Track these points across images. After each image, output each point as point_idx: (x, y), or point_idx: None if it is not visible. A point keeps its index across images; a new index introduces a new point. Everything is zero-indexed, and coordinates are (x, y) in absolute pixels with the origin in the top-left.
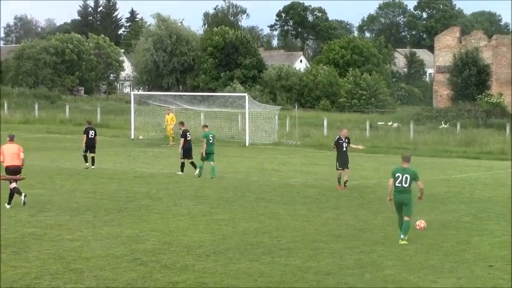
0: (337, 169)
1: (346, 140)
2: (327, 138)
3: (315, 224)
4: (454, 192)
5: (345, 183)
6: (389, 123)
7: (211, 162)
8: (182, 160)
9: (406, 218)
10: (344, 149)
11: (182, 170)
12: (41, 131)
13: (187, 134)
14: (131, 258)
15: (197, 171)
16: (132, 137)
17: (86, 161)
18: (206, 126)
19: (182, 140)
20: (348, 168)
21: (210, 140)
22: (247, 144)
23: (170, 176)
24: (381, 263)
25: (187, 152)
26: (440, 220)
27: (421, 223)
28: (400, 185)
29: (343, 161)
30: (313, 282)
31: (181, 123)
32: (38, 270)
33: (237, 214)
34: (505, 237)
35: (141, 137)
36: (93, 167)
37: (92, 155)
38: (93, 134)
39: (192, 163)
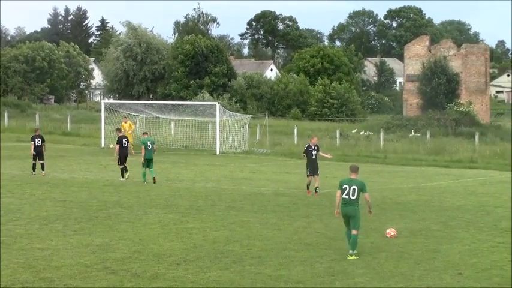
0: (307, 176)
1: (316, 148)
2: (298, 147)
3: (285, 233)
4: (424, 201)
5: (315, 189)
6: (361, 132)
7: (150, 169)
8: (120, 166)
9: (353, 232)
10: (313, 157)
11: (123, 176)
12: (11, 140)
13: (123, 140)
14: (101, 267)
15: (126, 175)
16: (103, 145)
17: (34, 170)
18: (146, 133)
19: (117, 146)
20: (317, 175)
21: (149, 146)
22: (217, 152)
23: (141, 184)
24: (351, 271)
25: (124, 158)
26: (410, 228)
27: (391, 231)
28: (347, 197)
29: (312, 168)
30: None
31: (118, 130)
32: (8, 279)
33: (208, 223)
34: (474, 245)
35: (111, 146)
36: (43, 172)
37: (40, 161)
38: (39, 142)
39: (125, 169)
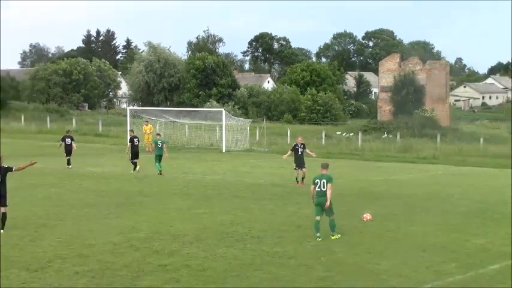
0: (294, 169)
1: (302, 146)
2: (290, 146)
3: (280, 216)
4: (395, 190)
5: (302, 179)
6: (344, 134)
7: (160, 163)
8: (131, 161)
9: (331, 217)
10: (299, 153)
11: (134, 169)
12: (52, 140)
13: (135, 140)
14: (128, 245)
15: (137, 169)
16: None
17: (68, 164)
18: (158, 134)
19: (130, 144)
20: (304, 167)
21: (159, 145)
22: (223, 150)
23: (160, 176)
24: (334, 248)
25: (134, 155)
26: (383, 213)
27: (367, 216)
28: (319, 189)
29: (299, 162)
30: (278, 264)
31: (131, 131)
32: (51, 254)
33: (216, 208)
34: (436, 227)
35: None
36: (70, 166)
37: (68, 157)
38: (69, 141)
39: (135, 163)
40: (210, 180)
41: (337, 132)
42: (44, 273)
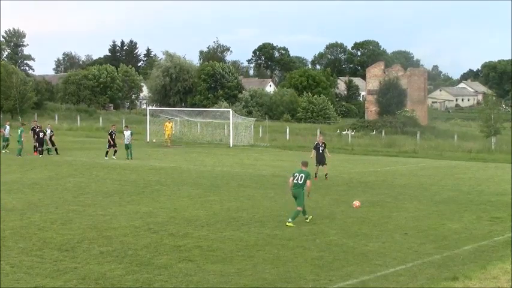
0: (315, 165)
1: (323, 145)
2: (289, 142)
3: (280, 203)
4: (380, 180)
5: (325, 175)
6: (346, 132)
7: (129, 150)
8: (107, 149)
9: (298, 208)
10: (320, 151)
11: (106, 155)
12: (82, 136)
13: (113, 133)
14: (147, 228)
15: (114, 156)
16: (148, 140)
17: (106, 156)
18: (126, 126)
19: (109, 136)
20: (325, 164)
21: (128, 136)
22: (231, 145)
23: (175, 168)
24: (327, 231)
25: (113, 144)
26: (370, 200)
27: (356, 203)
28: (296, 182)
29: (319, 159)
30: (278, 246)
31: (113, 125)
32: (79, 236)
33: (224, 196)
34: (416, 213)
35: (154, 140)
36: (114, 156)
37: (115, 148)
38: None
39: (115, 151)
40: (219, 172)
41: (338, 131)
42: (73, 253)
